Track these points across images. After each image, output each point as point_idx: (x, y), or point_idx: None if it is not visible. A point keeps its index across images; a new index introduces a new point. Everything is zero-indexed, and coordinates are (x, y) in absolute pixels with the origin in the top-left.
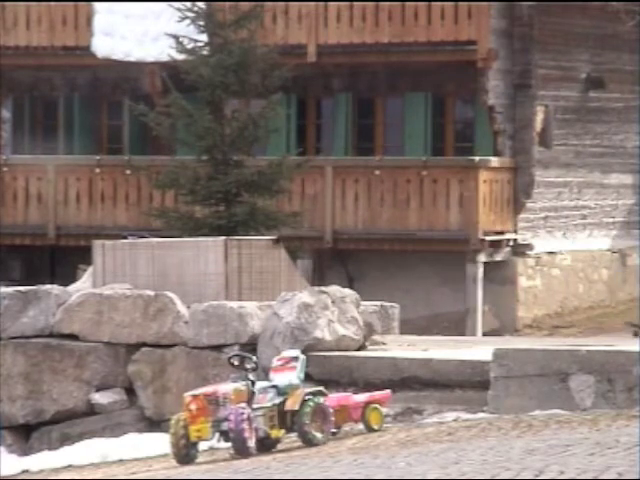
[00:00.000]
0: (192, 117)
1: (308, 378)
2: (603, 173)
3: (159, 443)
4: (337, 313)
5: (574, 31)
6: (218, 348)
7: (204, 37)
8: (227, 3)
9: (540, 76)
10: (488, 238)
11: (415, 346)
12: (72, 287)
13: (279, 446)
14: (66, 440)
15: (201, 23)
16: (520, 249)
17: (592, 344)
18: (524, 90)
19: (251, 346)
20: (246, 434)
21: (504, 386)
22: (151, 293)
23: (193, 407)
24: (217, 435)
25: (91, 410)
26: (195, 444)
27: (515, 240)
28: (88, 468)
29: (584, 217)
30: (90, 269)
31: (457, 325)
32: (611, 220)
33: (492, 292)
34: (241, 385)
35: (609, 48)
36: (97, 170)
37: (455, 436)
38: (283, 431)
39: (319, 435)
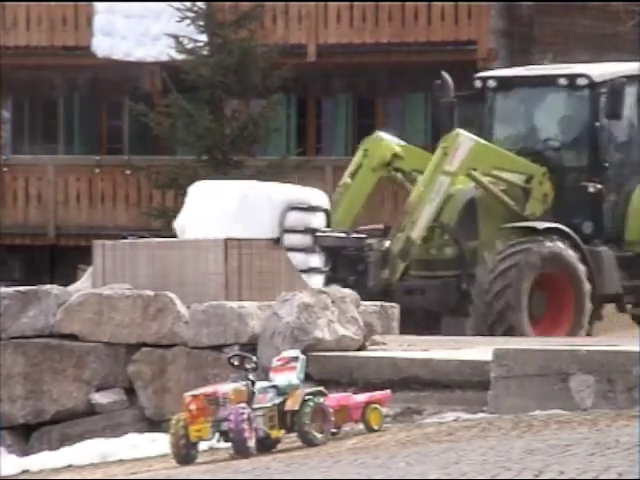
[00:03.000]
0: (192, 117)
1: (308, 378)
2: None
3: (159, 443)
4: (337, 313)
5: (574, 31)
6: (218, 348)
7: (204, 37)
8: (227, 3)
9: None
10: None
11: (415, 346)
12: (72, 287)
13: (279, 446)
14: (66, 440)
15: (201, 23)
16: None
17: (592, 344)
18: None
19: (251, 346)
20: (246, 434)
21: (504, 386)
22: (151, 293)
23: (193, 407)
24: (217, 435)
25: (91, 410)
26: (195, 444)
27: None
28: (88, 468)
29: None
30: (90, 269)
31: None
32: None
33: None
34: (241, 385)
35: (609, 48)
36: (97, 170)
37: (455, 436)
38: (283, 431)
39: (319, 435)
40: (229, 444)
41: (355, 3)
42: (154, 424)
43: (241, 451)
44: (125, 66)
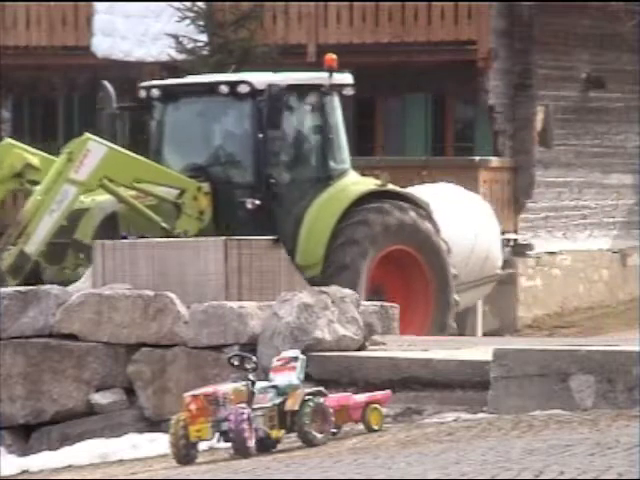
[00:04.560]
0: None
1: (308, 378)
2: (603, 173)
3: (159, 443)
4: (337, 313)
5: (574, 31)
6: (218, 348)
7: (204, 37)
8: (227, 3)
9: (540, 76)
10: None
11: (415, 346)
12: (72, 287)
13: (279, 446)
14: (66, 440)
15: (201, 23)
16: (520, 249)
17: (592, 344)
18: (524, 90)
19: (251, 346)
20: (246, 434)
21: (504, 386)
22: (151, 293)
23: (193, 407)
24: (217, 435)
25: (91, 410)
26: (195, 444)
27: (515, 240)
28: (88, 468)
29: (584, 217)
30: (90, 269)
31: (457, 325)
32: (611, 220)
33: (492, 292)
34: (241, 385)
35: (609, 48)
36: None
37: (455, 436)
38: (283, 431)
39: (319, 435)
40: (229, 444)
41: (355, 3)
42: (154, 424)
43: (241, 451)
44: (125, 66)
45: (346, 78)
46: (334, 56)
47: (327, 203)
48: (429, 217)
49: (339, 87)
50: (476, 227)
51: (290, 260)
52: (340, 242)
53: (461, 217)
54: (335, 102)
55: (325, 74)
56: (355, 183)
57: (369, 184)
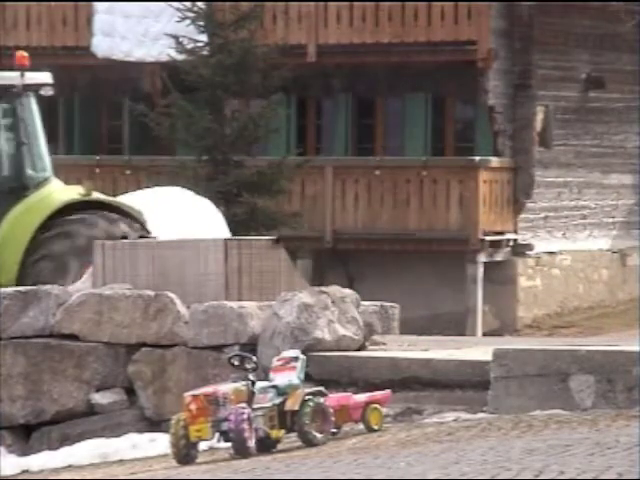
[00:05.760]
0: (192, 117)
1: (308, 378)
2: (603, 173)
3: (159, 443)
4: (337, 313)
5: (574, 31)
6: (218, 348)
7: (204, 37)
8: (227, 3)
9: (540, 76)
10: (488, 238)
11: (415, 346)
12: (72, 287)
13: (279, 446)
14: (66, 440)
15: (201, 23)
16: (520, 249)
17: (592, 344)
18: (524, 90)
19: (251, 346)
20: (246, 434)
21: (504, 386)
22: (151, 293)
23: (193, 407)
24: (217, 435)
25: (91, 410)
26: (195, 444)
27: (515, 240)
28: (88, 468)
29: (584, 217)
30: (90, 269)
31: (457, 325)
32: (611, 220)
33: (492, 292)
34: (241, 385)
35: (609, 48)
36: (97, 170)
37: (455, 436)
38: (283, 431)
39: (319, 435)
40: (229, 444)
41: (355, 3)
42: (154, 424)
43: (241, 451)
44: (125, 66)
45: (43, 77)
46: (25, 54)
47: (23, 215)
48: (136, 224)
49: (35, 87)
50: (205, 235)
51: (289, 260)
52: (36, 257)
53: (188, 224)
54: (31, 104)
55: (16, 74)
56: (55, 193)
57: (71, 193)
